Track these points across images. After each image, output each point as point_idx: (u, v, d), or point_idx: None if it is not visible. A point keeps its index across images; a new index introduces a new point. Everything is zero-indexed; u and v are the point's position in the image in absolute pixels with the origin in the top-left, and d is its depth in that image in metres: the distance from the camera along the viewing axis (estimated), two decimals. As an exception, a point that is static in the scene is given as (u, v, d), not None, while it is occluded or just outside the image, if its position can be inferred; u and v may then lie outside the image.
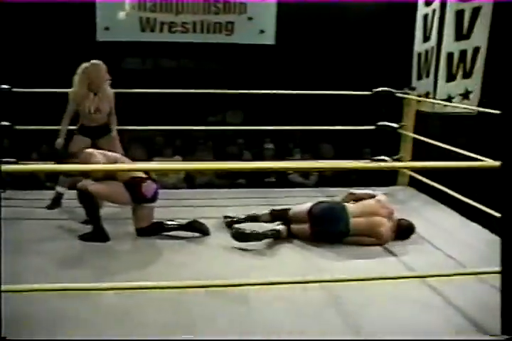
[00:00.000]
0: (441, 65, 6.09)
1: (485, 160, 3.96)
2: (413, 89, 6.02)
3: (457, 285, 3.36)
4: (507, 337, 2.45)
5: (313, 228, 4.08)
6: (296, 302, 3.20)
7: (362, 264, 3.76)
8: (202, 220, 4.25)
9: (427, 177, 5.30)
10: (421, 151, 5.66)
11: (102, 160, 4.05)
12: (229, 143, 8.78)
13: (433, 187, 5.19)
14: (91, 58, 4.76)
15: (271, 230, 4.08)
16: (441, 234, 4.36)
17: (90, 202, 4.04)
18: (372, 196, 4.33)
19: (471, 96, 6.19)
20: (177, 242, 4.10)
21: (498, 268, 2.90)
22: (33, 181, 6.81)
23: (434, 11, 6.13)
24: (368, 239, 4.06)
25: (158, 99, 8.46)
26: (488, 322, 2.98)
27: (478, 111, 5.96)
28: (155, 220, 4.21)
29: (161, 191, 4.32)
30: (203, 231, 4.22)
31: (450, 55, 6.11)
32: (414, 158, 5.68)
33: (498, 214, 4.24)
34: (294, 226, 4.15)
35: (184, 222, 4.21)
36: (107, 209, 4.30)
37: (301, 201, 4.51)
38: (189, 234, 4.19)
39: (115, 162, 4.11)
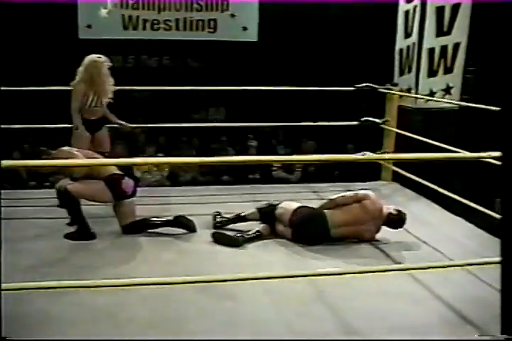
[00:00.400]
0: (423, 60, 6.14)
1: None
2: (395, 84, 6.07)
3: (443, 278, 3.39)
4: (507, 337, 2.48)
5: (294, 235, 4.08)
6: (283, 297, 3.22)
7: (348, 259, 3.79)
8: (188, 217, 4.25)
9: (410, 172, 5.35)
10: (403, 146, 5.70)
11: (81, 157, 4.02)
12: (212, 140, 8.78)
13: (416, 181, 5.24)
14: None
15: (254, 232, 4.08)
16: (425, 228, 4.40)
17: (71, 202, 4.02)
18: (358, 199, 4.11)
19: (452, 91, 6.25)
20: (164, 239, 4.10)
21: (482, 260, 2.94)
22: (15, 180, 6.78)
23: (415, 7, 6.18)
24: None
25: (142, 97, 8.44)
26: (477, 314, 3.03)
27: (460, 106, 6.03)
28: (140, 218, 4.20)
29: (145, 189, 4.31)
30: (190, 227, 4.21)
31: (431, 51, 6.17)
32: (397, 152, 5.72)
33: (481, 209, 4.31)
34: (278, 227, 4.15)
35: (171, 218, 4.21)
36: (91, 208, 4.29)
37: (285, 197, 4.53)
38: (175, 231, 4.18)
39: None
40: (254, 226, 4.15)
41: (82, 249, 3.89)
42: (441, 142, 4.89)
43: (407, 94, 6.08)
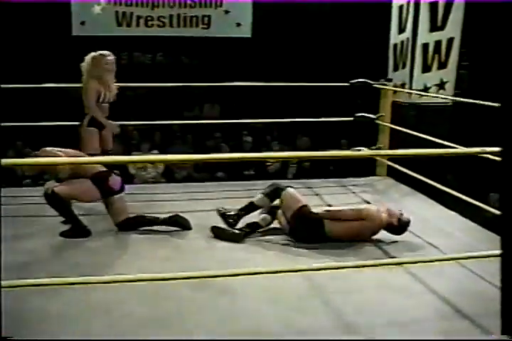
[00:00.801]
0: (417, 55, 6.16)
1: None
2: (389, 80, 6.08)
3: (438, 271, 3.41)
4: (507, 337, 2.49)
5: (291, 234, 4.07)
6: (280, 292, 3.22)
7: (344, 254, 3.80)
8: (183, 214, 4.25)
9: (406, 167, 5.36)
10: (398, 141, 5.72)
11: (64, 157, 4.00)
12: (207, 137, 8.78)
13: (411, 176, 5.25)
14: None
15: (252, 225, 4.08)
16: (420, 222, 4.41)
17: (60, 204, 4.00)
18: (360, 217, 3.94)
19: (446, 86, 6.27)
20: (160, 236, 4.10)
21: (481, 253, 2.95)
22: (10, 178, 6.77)
23: (408, 2, 6.20)
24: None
25: (136, 94, 8.42)
26: (472, 307, 3.04)
27: (454, 101, 6.05)
28: (134, 215, 4.19)
29: (140, 186, 4.30)
30: (185, 226, 4.20)
31: (425, 46, 6.18)
32: (392, 148, 5.73)
33: (475, 203, 4.33)
34: (280, 216, 4.13)
35: (167, 217, 4.20)
36: (85, 204, 4.29)
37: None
38: (171, 228, 4.19)
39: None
40: (254, 218, 4.15)
41: (78, 246, 3.88)
42: (434, 137, 4.90)
43: (401, 89, 6.09)
